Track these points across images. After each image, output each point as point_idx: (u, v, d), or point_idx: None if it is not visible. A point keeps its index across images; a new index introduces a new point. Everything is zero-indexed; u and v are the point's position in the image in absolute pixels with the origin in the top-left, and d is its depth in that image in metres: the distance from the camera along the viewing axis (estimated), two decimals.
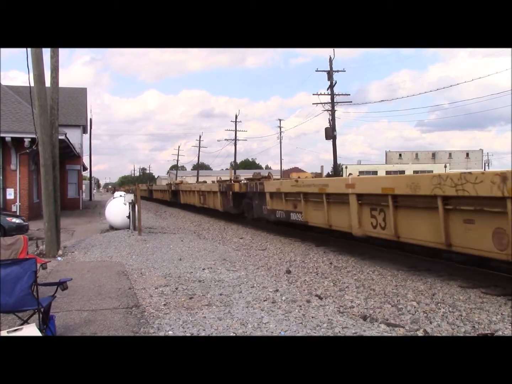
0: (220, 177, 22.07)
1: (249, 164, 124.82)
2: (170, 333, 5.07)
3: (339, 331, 5.07)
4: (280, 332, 5.01)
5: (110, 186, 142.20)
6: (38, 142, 10.88)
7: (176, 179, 63.90)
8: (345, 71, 34.39)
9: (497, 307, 6.20)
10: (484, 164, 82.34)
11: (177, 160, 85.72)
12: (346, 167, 63.85)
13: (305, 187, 11.85)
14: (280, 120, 68.07)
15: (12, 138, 19.15)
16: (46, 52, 13.26)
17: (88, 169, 52.10)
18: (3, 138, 19.01)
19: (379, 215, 8.91)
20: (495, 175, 6.27)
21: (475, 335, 5.16)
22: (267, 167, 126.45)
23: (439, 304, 6.37)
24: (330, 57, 33.01)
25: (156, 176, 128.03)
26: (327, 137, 32.60)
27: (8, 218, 14.03)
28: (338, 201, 10.38)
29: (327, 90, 34.05)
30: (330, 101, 33.74)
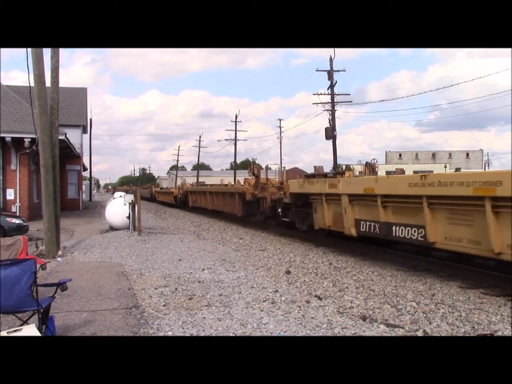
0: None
1: (249, 165, 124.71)
2: (170, 334, 5.06)
3: (339, 332, 5.07)
4: (279, 333, 5.00)
5: (110, 187, 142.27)
6: (38, 142, 10.87)
7: (176, 179, 63.65)
8: (345, 70, 34.34)
9: (497, 308, 6.20)
10: (484, 164, 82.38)
11: (177, 161, 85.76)
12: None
13: None
14: (280, 120, 68.02)
15: (12, 138, 19.12)
16: (47, 52, 13.30)
17: (88, 169, 52.08)
18: (3, 138, 18.98)
19: None
20: None
21: (475, 335, 5.16)
22: (267, 167, 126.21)
23: (438, 305, 6.37)
24: (331, 57, 32.97)
25: (156, 177, 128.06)
26: (327, 137, 32.55)
27: (8, 219, 14.01)
28: None
29: (327, 90, 34.04)
30: (330, 101, 33.72)
